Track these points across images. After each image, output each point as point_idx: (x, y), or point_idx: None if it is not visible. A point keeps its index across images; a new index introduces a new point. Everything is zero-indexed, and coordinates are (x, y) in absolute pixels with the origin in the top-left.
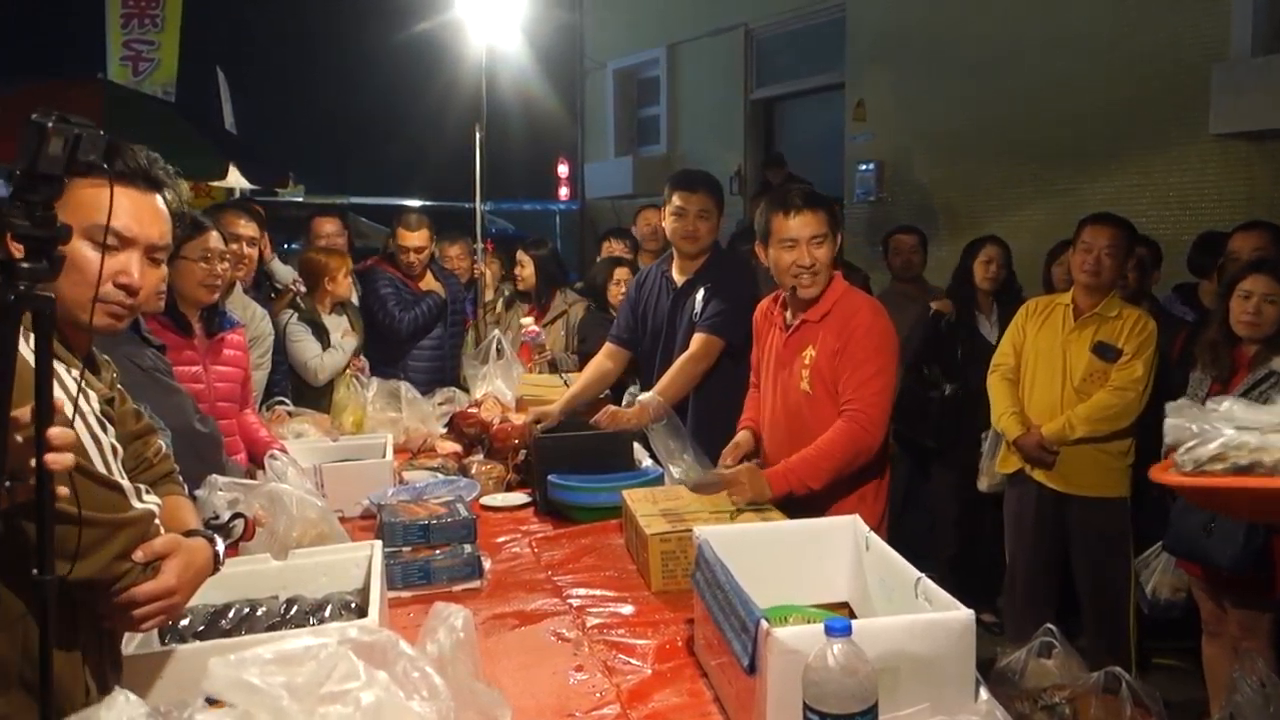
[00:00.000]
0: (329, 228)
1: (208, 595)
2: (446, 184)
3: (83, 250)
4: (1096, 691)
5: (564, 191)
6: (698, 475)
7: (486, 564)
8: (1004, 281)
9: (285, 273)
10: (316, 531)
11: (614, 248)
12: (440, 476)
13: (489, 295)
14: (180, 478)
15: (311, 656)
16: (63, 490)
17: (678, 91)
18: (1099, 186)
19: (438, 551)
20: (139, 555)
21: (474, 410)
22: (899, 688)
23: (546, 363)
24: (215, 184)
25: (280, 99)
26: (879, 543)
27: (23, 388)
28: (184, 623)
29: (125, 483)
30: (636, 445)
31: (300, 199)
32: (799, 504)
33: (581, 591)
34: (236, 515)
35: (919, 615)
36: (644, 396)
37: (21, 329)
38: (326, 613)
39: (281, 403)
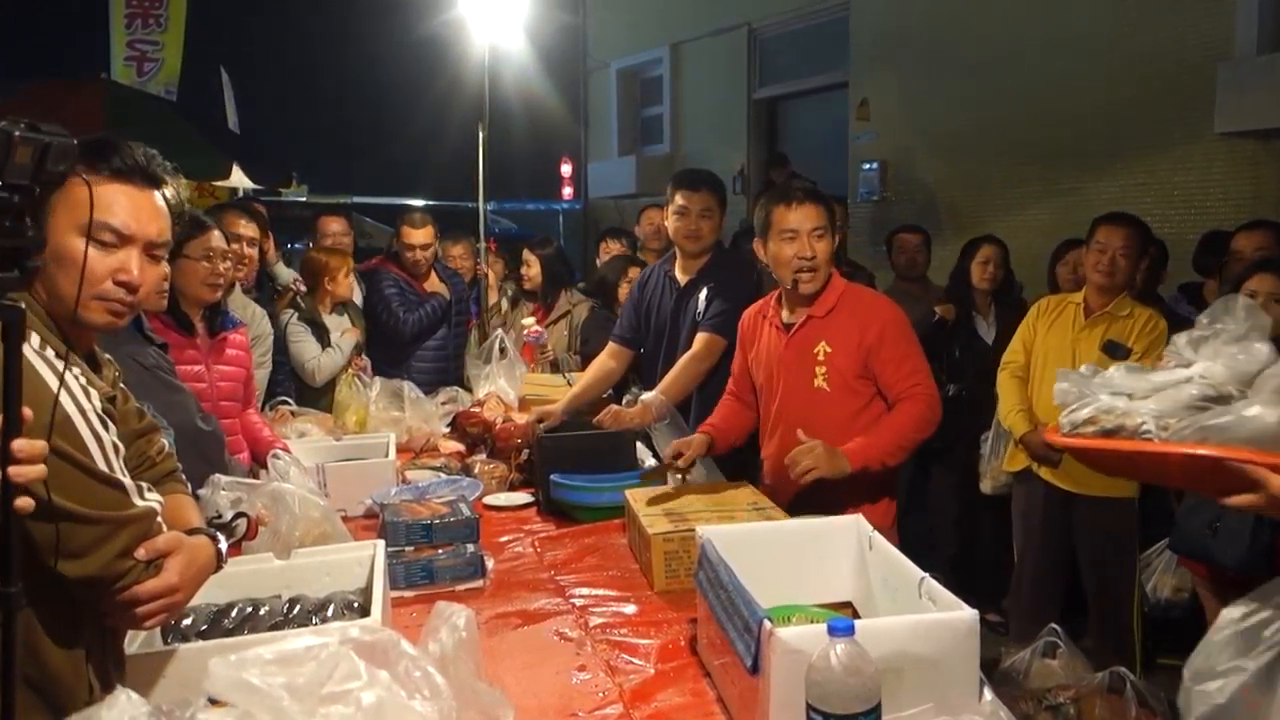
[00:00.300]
0: (335, 227)
1: (210, 594)
2: (450, 183)
3: (81, 248)
4: (1101, 692)
5: (567, 191)
6: (699, 475)
7: (489, 563)
8: (1002, 281)
9: (285, 273)
10: (319, 531)
11: (611, 248)
12: (443, 476)
13: (493, 298)
14: (183, 476)
15: (312, 656)
16: (23, 503)
17: (681, 91)
18: (1103, 186)
19: (440, 551)
20: (141, 553)
21: (477, 410)
22: (902, 688)
23: (549, 362)
24: (218, 184)
25: (283, 99)
26: (882, 542)
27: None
28: (186, 622)
29: (127, 481)
30: (639, 445)
31: (303, 199)
32: (816, 505)
33: (584, 591)
34: (239, 514)
35: (923, 615)
36: (647, 396)
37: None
38: (329, 612)
39: (285, 402)
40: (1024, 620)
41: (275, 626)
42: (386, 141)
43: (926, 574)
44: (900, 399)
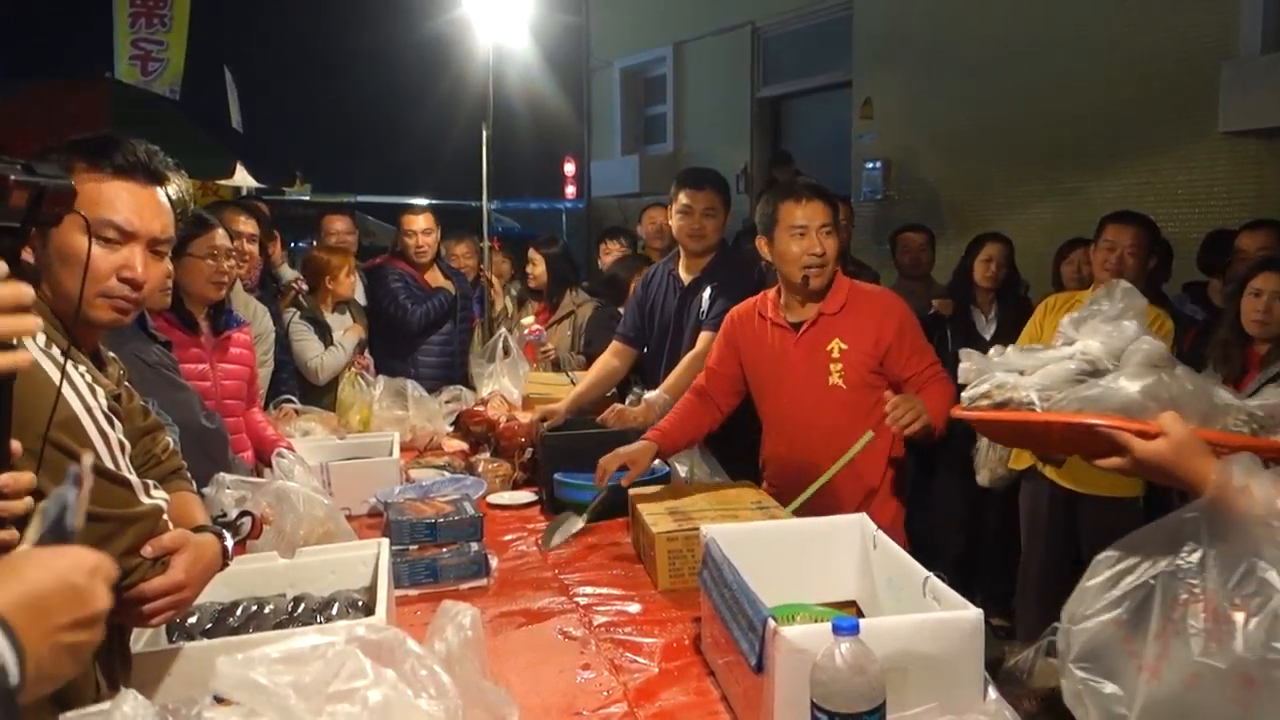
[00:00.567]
0: (339, 225)
1: (215, 593)
2: (453, 182)
3: (84, 245)
4: None
5: (570, 190)
6: (703, 473)
7: (493, 562)
8: (1004, 280)
9: (287, 272)
10: (323, 529)
11: (611, 249)
12: (447, 475)
13: (498, 304)
14: (188, 474)
15: (319, 655)
16: (6, 535)
17: (684, 90)
18: (1107, 185)
19: (444, 550)
20: (148, 550)
21: (480, 409)
22: (907, 687)
23: (549, 361)
24: (222, 183)
25: (287, 98)
26: (886, 542)
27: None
28: (192, 620)
29: (134, 478)
30: None
31: (307, 197)
32: (823, 508)
33: (588, 590)
34: (244, 513)
35: (927, 615)
36: (650, 395)
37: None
38: (334, 611)
39: (289, 401)
40: (1030, 619)
41: (280, 625)
42: (390, 140)
43: (930, 573)
44: (926, 382)
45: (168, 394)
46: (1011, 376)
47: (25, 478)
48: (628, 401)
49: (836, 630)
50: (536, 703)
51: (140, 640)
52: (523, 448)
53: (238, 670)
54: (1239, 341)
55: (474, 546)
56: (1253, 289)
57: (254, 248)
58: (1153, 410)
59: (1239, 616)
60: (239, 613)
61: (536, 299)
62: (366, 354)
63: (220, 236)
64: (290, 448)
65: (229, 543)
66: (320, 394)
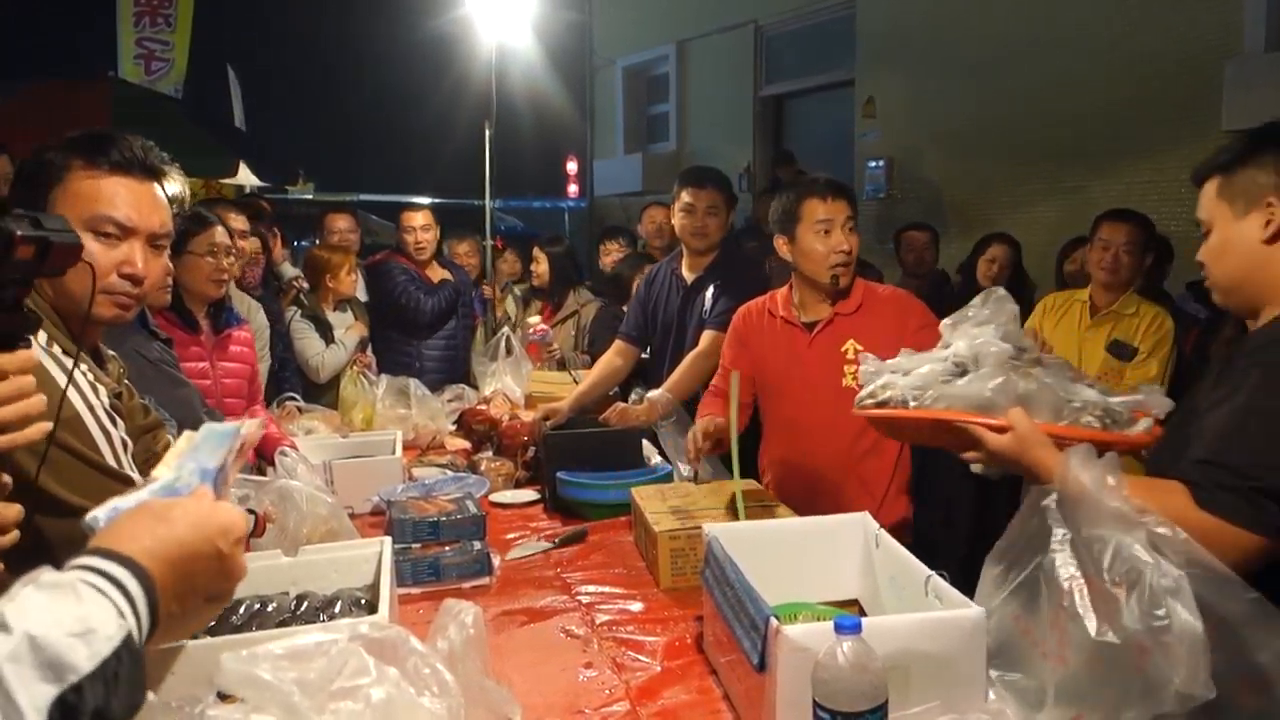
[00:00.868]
0: (342, 224)
1: None
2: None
3: (85, 242)
4: None
5: (573, 189)
6: (706, 472)
7: (496, 561)
8: (1007, 281)
9: (288, 270)
10: (326, 528)
11: (611, 249)
12: (449, 473)
13: (499, 310)
14: None
15: (322, 652)
16: None
17: (687, 89)
18: (1109, 183)
19: (447, 548)
20: None
21: (483, 407)
22: (909, 686)
23: (554, 361)
24: (225, 181)
25: (290, 97)
26: (889, 540)
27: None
28: None
29: (136, 476)
30: (645, 442)
31: (310, 196)
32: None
33: (591, 588)
34: (247, 511)
35: (929, 613)
36: (653, 394)
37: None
38: (336, 609)
39: (292, 399)
40: None
41: (283, 623)
42: (393, 139)
43: (933, 572)
44: None
45: (168, 390)
46: (896, 377)
47: (13, 510)
48: (630, 400)
49: (838, 629)
50: (539, 701)
51: None
52: (525, 446)
53: (242, 666)
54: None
55: (476, 545)
56: None
57: (245, 243)
58: (1003, 407)
59: (1120, 593)
60: (242, 610)
61: (540, 298)
62: (369, 352)
63: (220, 234)
64: (293, 446)
65: None
66: (322, 392)
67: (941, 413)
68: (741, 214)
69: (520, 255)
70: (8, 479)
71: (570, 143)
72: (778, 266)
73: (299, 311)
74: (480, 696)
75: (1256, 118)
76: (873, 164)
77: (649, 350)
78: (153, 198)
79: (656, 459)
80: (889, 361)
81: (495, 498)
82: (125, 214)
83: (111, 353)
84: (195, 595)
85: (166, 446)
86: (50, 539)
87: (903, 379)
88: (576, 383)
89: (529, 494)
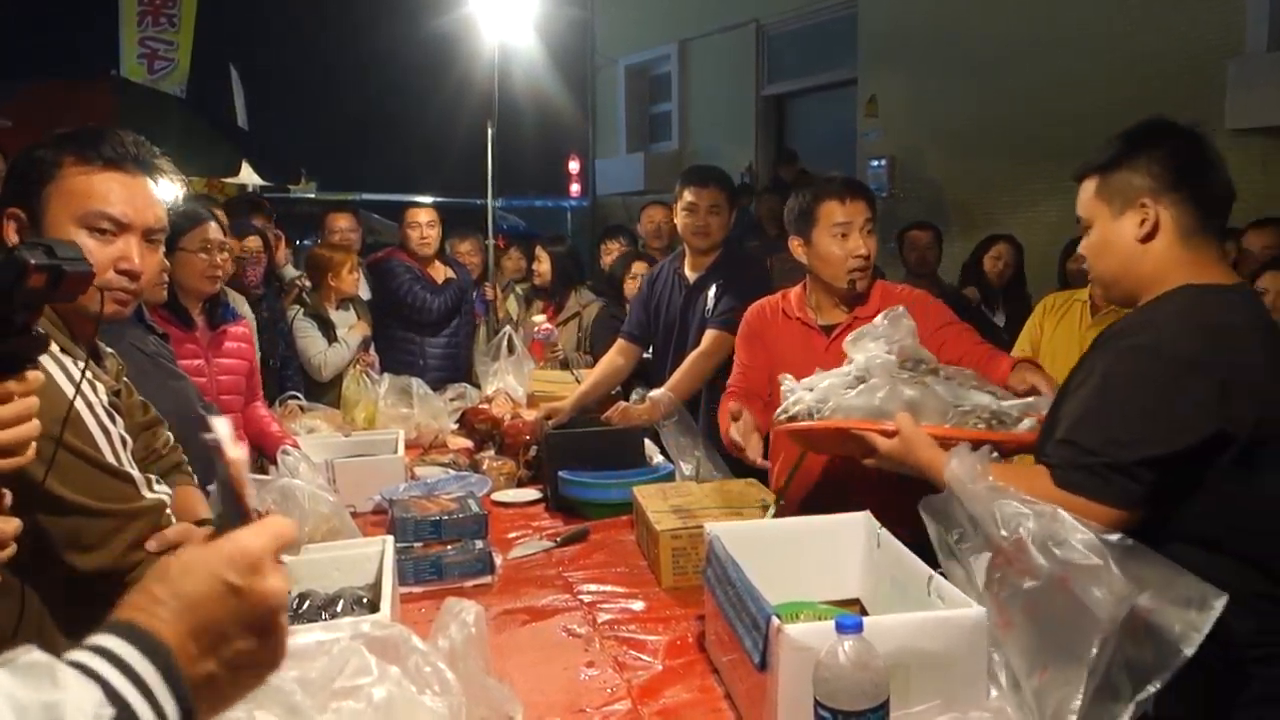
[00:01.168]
0: (342, 223)
1: None
2: (458, 180)
3: (80, 239)
4: None
5: (575, 188)
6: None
7: (497, 560)
8: (1010, 280)
9: (289, 272)
10: (329, 526)
11: (612, 249)
12: (451, 472)
13: (501, 311)
14: (189, 468)
15: (324, 652)
16: None
17: (689, 88)
18: None
19: (449, 547)
20: (152, 545)
21: (485, 406)
22: (910, 685)
23: (558, 361)
24: (228, 180)
25: (292, 96)
26: (891, 540)
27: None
28: None
29: (136, 473)
30: (647, 442)
31: (312, 195)
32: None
33: (592, 587)
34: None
35: (930, 612)
36: (655, 393)
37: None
38: (339, 608)
39: (294, 397)
40: None
41: None
42: (395, 138)
43: (935, 572)
44: (983, 359)
45: (164, 382)
46: (805, 393)
47: (12, 524)
48: (632, 400)
49: (840, 628)
50: (540, 700)
51: None
52: (527, 445)
53: None
54: None
55: (478, 544)
56: (1258, 288)
57: (250, 241)
58: (891, 413)
59: (1020, 545)
60: None
61: (541, 298)
62: (372, 351)
63: (213, 230)
64: (295, 445)
65: None
66: (324, 391)
67: (839, 422)
68: (743, 213)
69: (525, 254)
70: (8, 496)
71: (572, 142)
72: (780, 265)
73: (301, 310)
74: (482, 695)
75: (1259, 117)
76: (874, 163)
77: (651, 349)
78: (146, 193)
79: (658, 458)
80: (804, 380)
81: (497, 497)
82: (120, 210)
83: (110, 350)
84: (228, 644)
85: (166, 443)
86: (50, 537)
87: (809, 394)
88: (579, 382)
89: (531, 493)
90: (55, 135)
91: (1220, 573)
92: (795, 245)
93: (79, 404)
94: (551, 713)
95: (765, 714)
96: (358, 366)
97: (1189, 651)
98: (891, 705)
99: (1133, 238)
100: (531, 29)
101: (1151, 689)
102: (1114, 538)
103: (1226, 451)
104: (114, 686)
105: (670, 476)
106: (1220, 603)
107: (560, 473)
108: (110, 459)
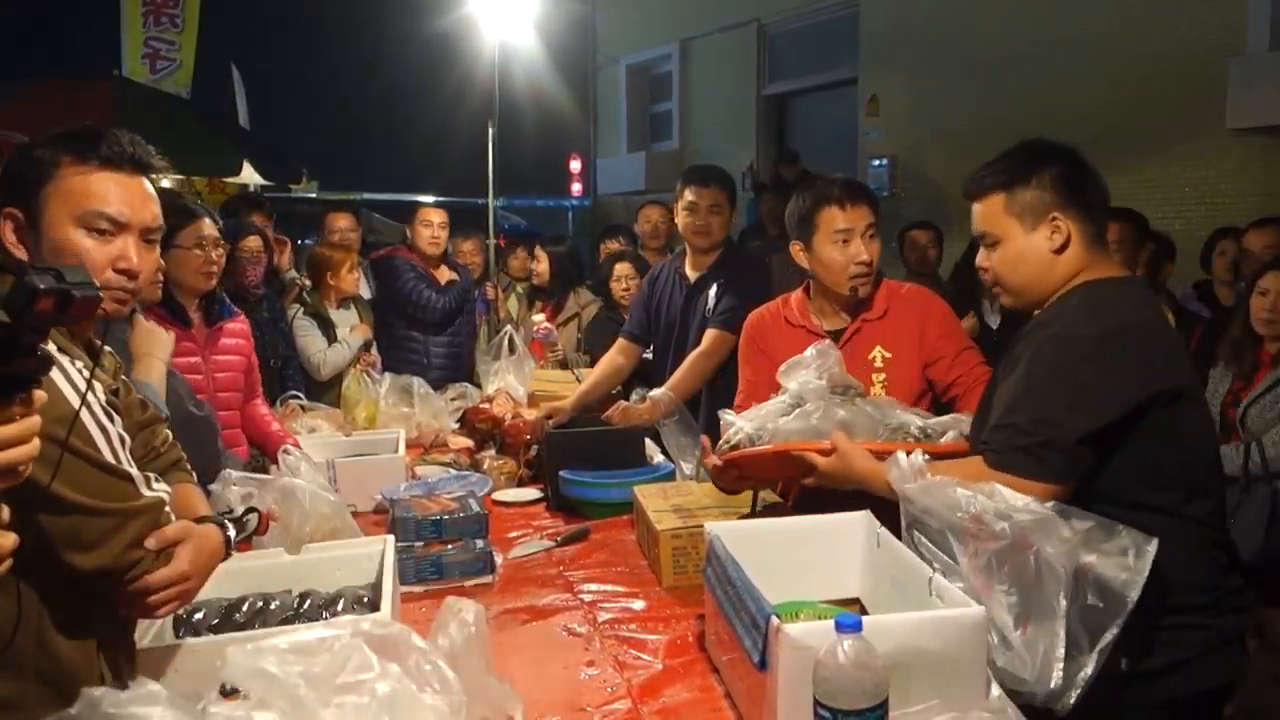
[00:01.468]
0: (342, 223)
1: (221, 589)
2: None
3: (79, 239)
4: None
5: (576, 187)
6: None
7: (498, 559)
8: None
9: (290, 274)
10: (329, 526)
11: (611, 248)
12: (452, 472)
13: (502, 311)
14: (188, 465)
15: (326, 648)
16: None
17: (690, 87)
18: (1114, 182)
19: (450, 546)
20: (151, 543)
21: (486, 406)
22: (910, 684)
23: (557, 361)
24: (230, 180)
25: (294, 96)
26: (891, 539)
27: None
28: (198, 616)
29: (135, 471)
30: (648, 441)
31: (314, 195)
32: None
33: (593, 587)
34: (250, 509)
35: (930, 612)
36: (656, 392)
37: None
38: (339, 607)
39: (295, 397)
40: None
41: (286, 621)
42: (396, 138)
43: (935, 571)
44: (971, 386)
45: None
46: (744, 422)
47: (9, 539)
48: (632, 399)
49: (839, 627)
50: (540, 699)
51: (146, 635)
52: (528, 445)
53: (249, 660)
54: (1251, 340)
55: (479, 543)
56: (1260, 288)
57: (250, 241)
58: (827, 433)
59: (978, 519)
60: (245, 608)
61: (540, 297)
62: (374, 350)
63: (207, 226)
64: (296, 444)
65: (231, 533)
66: (325, 390)
67: (779, 445)
68: (744, 213)
69: (530, 253)
70: (6, 510)
71: (573, 141)
72: (781, 265)
73: (301, 310)
74: (482, 694)
75: (1260, 117)
76: (876, 163)
77: (651, 349)
78: (143, 192)
79: (659, 458)
80: (743, 412)
81: (498, 496)
82: (118, 209)
83: (108, 348)
84: None
85: (165, 441)
86: (49, 535)
87: (748, 424)
88: (579, 381)
89: (531, 492)
90: (52, 135)
91: (1152, 529)
92: (796, 250)
93: (78, 404)
94: (552, 712)
95: (765, 713)
96: (359, 366)
97: (1133, 596)
98: (891, 705)
99: (1047, 249)
100: (532, 28)
101: (1109, 637)
102: (1049, 504)
103: (1148, 415)
104: None
105: (671, 476)
106: (1152, 547)
107: (561, 472)
108: (109, 458)
